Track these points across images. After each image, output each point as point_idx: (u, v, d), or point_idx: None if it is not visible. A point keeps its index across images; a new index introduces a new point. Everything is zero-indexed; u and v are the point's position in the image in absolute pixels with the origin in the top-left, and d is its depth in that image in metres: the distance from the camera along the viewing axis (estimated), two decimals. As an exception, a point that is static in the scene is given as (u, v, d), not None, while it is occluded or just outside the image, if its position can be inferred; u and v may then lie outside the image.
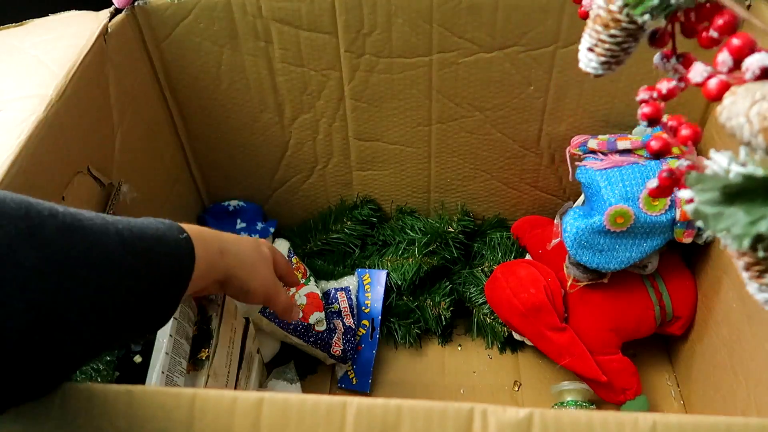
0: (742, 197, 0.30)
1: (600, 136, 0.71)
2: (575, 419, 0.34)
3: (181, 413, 0.33)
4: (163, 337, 0.54)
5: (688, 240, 0.67)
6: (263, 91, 0.76)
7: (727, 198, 0.30)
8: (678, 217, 0.65)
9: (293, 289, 0.79)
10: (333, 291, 0.83)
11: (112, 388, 0.34)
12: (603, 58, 0.38)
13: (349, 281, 0.84)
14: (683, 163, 0.38)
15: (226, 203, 0.88)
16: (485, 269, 0.83)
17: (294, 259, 0.83)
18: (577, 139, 0.73)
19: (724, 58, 0.33)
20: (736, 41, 0.32)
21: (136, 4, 0.68)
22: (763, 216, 0.29)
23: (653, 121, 0.38)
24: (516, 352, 0.83)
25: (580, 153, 0.71)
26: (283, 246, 0.84)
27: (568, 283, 0.74)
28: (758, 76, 0.32)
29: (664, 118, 0.38)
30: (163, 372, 0.53)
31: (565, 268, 0.74)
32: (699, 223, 0.31)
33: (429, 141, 0.80)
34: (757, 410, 0.58)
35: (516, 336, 0.80)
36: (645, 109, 0.38)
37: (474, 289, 0.82)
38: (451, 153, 0.82)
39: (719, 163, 0.31)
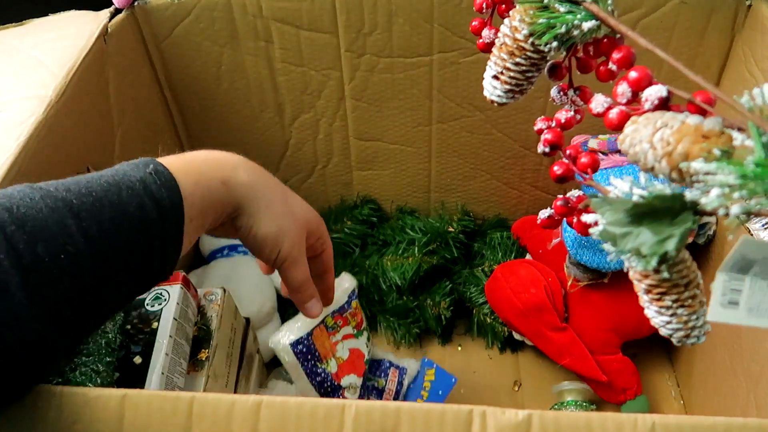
0: (648, 218, 0.31)
1: (600, 136, 0.70)
2: (574, 421, 0.34)
3: (179, 417, 0.33)
4: (163, 338, 0.54)
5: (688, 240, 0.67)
6: (263, 91, 0.76)
7: (635, 219, 0.31)
8: (678, 217, 0.65)
9: (338, 336, 0.68)
10: (387, 363, 0.74)
11: (108, 393, 0.34)
12: (507, 86, 0.40)
13: (410, 364, 0.75)
14: (575, 192, 0.41)
15: (227, 203, 0.88)
16: (485, 269, 0.83)
17: (354, 303, 0.72)
18: (577, 139, 0.73)
19: (623, 89, 0.35)
20: (634, 74, 0.34)
21: (136, 4, 0.68)
22: (670, 235, 0.30)
23: (554, 146, 0.40)
24: (516, 351, 0.83)
25: (580, 153, 0.71)
26: (348, 282, 0.73)
27: (569, 283, 0.74)
28: (657, 105, 0.33)
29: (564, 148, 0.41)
30: (163, 373, 0.53)
31: (565, 268, 0.74)
32: (606, 246, 0.32)
33: (429, 141, 0.80)
34: (757, 410, 0.58)
35: (516, 336, 0.80)
36: (547, 136, 0.41)
37: (474, 288, 0.82)
38: (452, 153, 0.81)
39: (621, 187, 0.33)
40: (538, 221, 0.43)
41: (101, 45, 0.62)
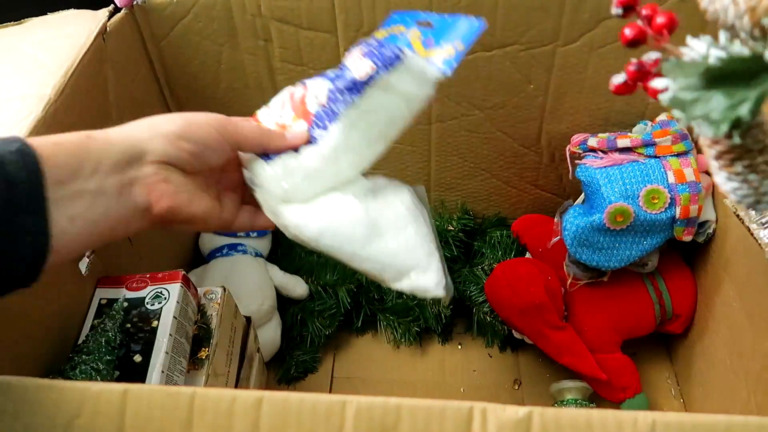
0: (722, 81, 0.29)
1: (600, 135, 0.71)
2: (574, 418, 0.34)
3: (180, 412, 0.33)
4: (163, 336, 0.54)
5: (687, 238, 0.67)
6: (263, 90, 0.76)
7: (707, 83, 0.29)
8: (678, 215, 0.65)
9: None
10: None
11: (110, 387, 0.34)
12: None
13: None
14: (652, 55, 0.37)
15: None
16: (485, 268, 0.83)
17: None
18: (577, 138, 0.73)
19: None
20: None
21: (135, 2, 0.67)
22: (744, 99, 0.28)
23: (628, 7, 0.36)
24: (516, 350, 0.83)
25: (580, 151, 0.71)
26: None
27: (568, 282, 0.74)
28: None
29: (640, 8, 0.36)
30: (163, 371, 0.53)
31: (565, 267, 0.74)
32: (675, 112, 0.30)
33: (429, 140, 0.80)
34: (756, 408, 0.58)
35: (516, 334, 0.80)
36: None
37: (474, 287, 0.82)
38: (451, 152, 0.81)
39: (697, 49, 0.30)
40: (611, 88, 0.39)
41: (100, 44, 0.62)
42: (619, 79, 0.38)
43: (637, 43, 0.36)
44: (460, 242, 0.84)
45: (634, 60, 0.37)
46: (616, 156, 0.68)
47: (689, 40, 0.31)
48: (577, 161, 0.72)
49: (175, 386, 0.34)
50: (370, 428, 0.33)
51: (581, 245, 0.68)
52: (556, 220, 0.74)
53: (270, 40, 0.71)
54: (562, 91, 0.73)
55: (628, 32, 0.36)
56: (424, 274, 0.48)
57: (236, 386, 0.65)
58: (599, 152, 0.69)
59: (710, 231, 0.69)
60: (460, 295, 0.83)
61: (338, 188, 0.49)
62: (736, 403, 0.62)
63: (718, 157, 0.33)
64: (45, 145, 0.35)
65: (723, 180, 0.33)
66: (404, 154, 0.82)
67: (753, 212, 0.60)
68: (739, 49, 0.29)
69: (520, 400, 0.79)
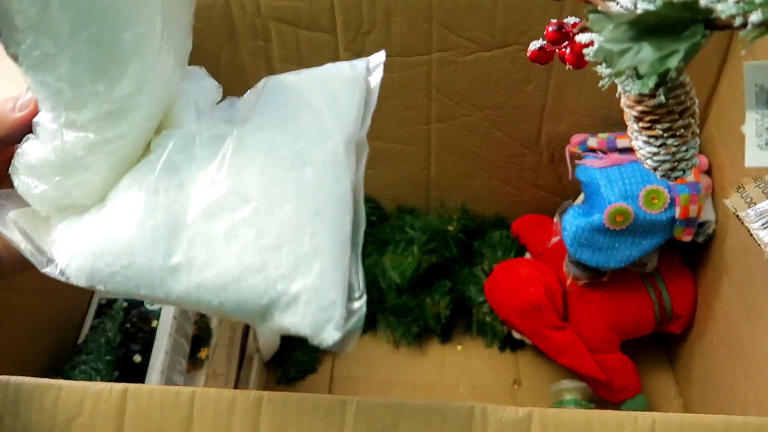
0: (652, 32, 0.27)
1: (600, 135, 0.71)
2: (574, 418, 0.34)
3: (180, 412, 0.33)
4: (163, 336, 0.54)
5: (687, 238, 0.67)
6: (262, 90, 0.76)
7: (636, 34, 0.28)
8: (677, 215, 0.65)
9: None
10: None
11: (110, 387, 0.34)
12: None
13: None
14: (570, 19, 0.36)
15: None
16: (485, 268, 0.83)
17: None
18: (576, 138, 0.73)
19: None
20: None
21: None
22: (674, 51, 0.27)
23: None
24: (516, 350, 0.83)
25: (579, 151, 0.71)
26: None
27: (568, 282, 0.74)
28: None
29: None
30: (162, 371, 0.53)
31: (564, 267, 0.74)
32: (602, 68, 0.29)
33: (428, 140, 0.80)
34: (756, 409, 0.58)
35: (515, 335, 0.80)
36: None
37: (473, 287, 0.82)
38: (451, 152, 0.81)
39: (623, 2, 0.29)
40: (528, 53, 0.37)
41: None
42: (535, 45, 0.37)
43: None
44: (460, 242, 0.84)
45: (554, 21, 0.36)
46: (616, 156, 0.68)
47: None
48: (576, 161, 0.72)
49: (174, 386, 0.34)
50: (369, 428, 0.33)
51: (581, 245, 0.68)
52: (555, 220, 0.74)
53: (270, 40, 0.71)
54: (562, 92, 0.73)
55: None
56: (301, 309, 0.28)
57: (236, 386, 0.65)
58: (599, 152, 0.70)
59: (710, 231, 0.69)
60: (459, 295, 0.83)
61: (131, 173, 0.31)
62: (736, 403, 0.62)
63: (639, 118, 0.32)
64: None
65: (641, 144, 0.32)
66: (404, 155, 0.82)
67: (753, 213, 0.60)
68: None
69: (519, 400, 0.79)
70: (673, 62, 0.27)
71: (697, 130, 0.32)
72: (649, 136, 0.32)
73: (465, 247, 0.86)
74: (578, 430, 0.33)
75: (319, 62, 0.72)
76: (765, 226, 0.58)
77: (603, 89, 0.32)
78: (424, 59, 0.71)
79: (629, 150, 0.68)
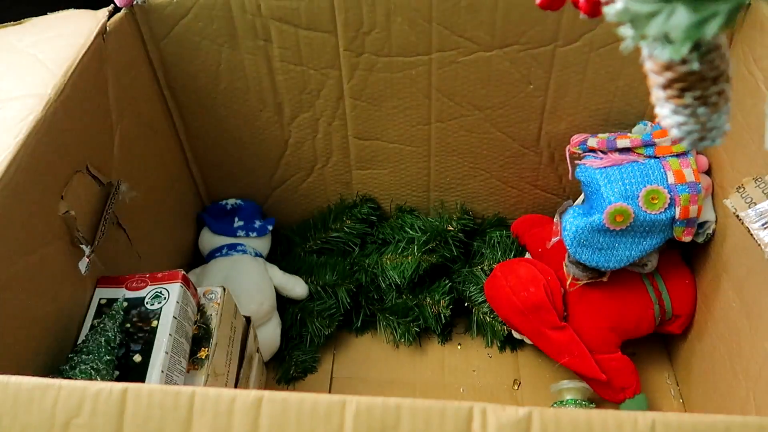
0: None
1: (600, 135, 0.71)
2: (574, 418, 0.34)
3: (180, 412, 0.33)
4: (163, 336, 0.54)
5: (687, 238, 0.67)
6: (262, 90, 0.76)
7: None
8: (677, 215, 0.65)
9: None
10: None
11: (109, 387, 0.34)
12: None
13: None
14: None
15: (224, 202, 0.88)
16: (485, 268, 0.83)
17: None
18: (576, 138, 0.73)
19: None
20: None
21: (135, 2, 0.67)
22: (714, 13, 0.23)
23: None
24: (516, 350, 0.83)
25: (579, 151, 0.71)
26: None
27: (568, 282, 0.74)
28: None
29: None
30: (162, 371, 0.53)
31: (564, 267, 0.74)
32: (624, 29, 0.25)
33: (428, 140, 0.80)
34: (756, 409, 0.58)
35: (516, 335, 0.80)
36: None
37: (473, 287, 0.82)
38: (451, 152, 0.81)
39: None
40: (538, 1, 0.34)
41: (100, 44, 0.62)
42: None
43: None
44: (460, 242, 0.85)
45: None
46: (616, 156, 0.68)
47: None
48: (576, 161, 0.72)
49: (174, 386, 0.34)
50: (369, 428, 0.33)
51: (581, 245, 0.68)
52: (555, 220, 0.74)
53: (270, 40, 0.71)
54: (562, 92, 0.73)
55: None
56: None
57: (236, 386, 0.65)
58: (599, 152, 0.70)
59: (710, 231, 0.69)
60: (459, 295, 0.83)
61: None
62: (736, 403, 0.62)
63: (667, 86, 0.28)
64: None
65: (668, 113, 0.29)
66: (404, 154, 0.82)
67: (753, 213, 0.60)
68: None
69: (519, 400, 0.79)
70: (713, 28, 0.23)
71: (731, 94, 0.29)
72: (678, 105, 0.28)
73: (465, 247, 0.86)
74: (578, 430, 0.33)
75: (319, 62, 0.72)
76: (765, 226, 0.58)
77: (625, 52, 0.28)
78: (424, 59, 0.71)
79: (629, 150, 0.68)
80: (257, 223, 0.86)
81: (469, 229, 0.86)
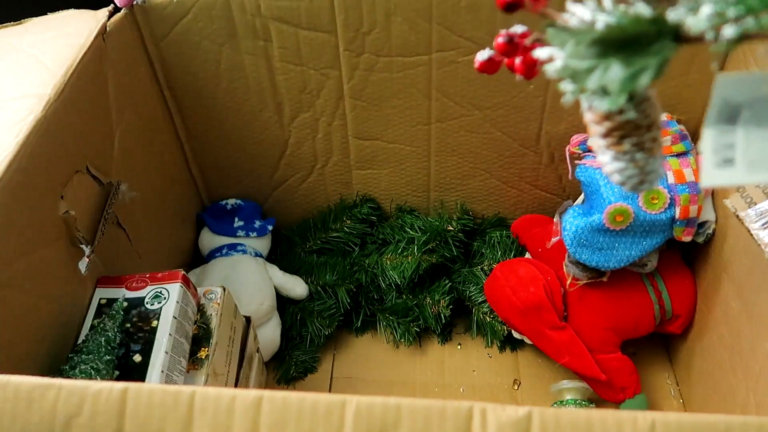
0: (618, 48, 0.26)
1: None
2: (574, 418, 0.34)
3: (180, 411, 0.33)
4: (163, 336, 0.54)
5: (687, 238, 0.67)
6: (262, 90, 0.76)
7: (601, 50, 0.26)
8: (677, 215, 0.65)
9: None
10: None
11: (109, 386, 0.34)
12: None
13: None
14: (519, 28, 0.35)
15: (224, 202, 0.88)
16: (485, 268, 0.83)
17: None
18: (576, 138, 0.73)
19: None
20: None
21: (135, 2, 0.67)
22: (644, 67, 0.26)
23: None
24: (516, 350, 0.83)
25: (579, 151, 0.71)
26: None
27: (568, 282, 0.74)
28: None
29: None
30: (162, 371, 0.53)
31: (564, 267, 0.74)
32: (565, 84, 0.27)
33: (428, 140, 0.80)
34: (756, 408, 0.58)
35: (515, 335, 0.80)
36: None
37: (473, 287, 0.82)
38: (451, 152, 0.81)
39: (581, 15, 0.27)
40: (476, 65, 0.36)
41: (100, 44, 0.62)
42: (483, 55, 0.36)
43: (514, 6, 0.33)
44: (460, 242, 0.85)
45: (503, 31, 0.34)
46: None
47: (570, 5, 0.28)
48: (576, 161, 0.72)
49: (174, 385, 0.34)
50: (369, 428, 0.33)
51: (581, 245, 0.68)
52: (555, 220, 0.74)
53: (270, 40, 0.71)
54: (562, 91, 0.73)
55: None
56: None
57: (236, 386, 0.65)
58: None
59: (710, 231, 0.69)
60: (459, 295, 0.83)
61: None
62: (736, 403, 0.62)
63: (606, 134, 0.30)
64: None
65: (609, 160, 0.31)
66: (404, 154, 0.82)
67: (753, 213, 0.60)
68: (643, 7, 0.26)
69: (519, 400, 0.79)
70: (645, 79, 0.26)
71: (662, 141, 0.31)
72: (618, 152, 0.31)
73: (465, 247, 0.86)
74: (578, 430, 0.33)
75: (319, 62, 0.72)
76: (765, 226, 0.58)
77: (566, 106, 0.30)
78: (424, 59, 0.71)
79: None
80: (257, 223, 0.86)
81: (469, 229, 0.86)
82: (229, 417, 0.33)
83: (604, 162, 0.31)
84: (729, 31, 0.24)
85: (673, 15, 0.25)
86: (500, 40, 0.34)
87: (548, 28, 0.28)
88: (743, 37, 0.24)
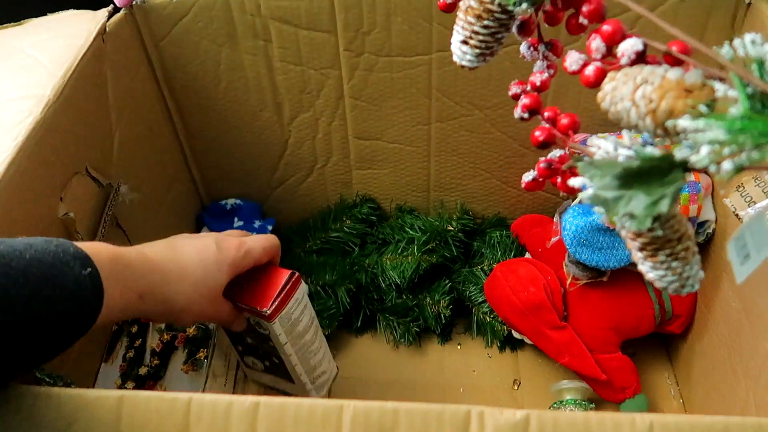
0: (639, 179, 0.30)
1: (600, 135, 0.70)
2: (572, 421, 0.34)
3: (176, 418, 0.33)
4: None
5: (687, 239, 0.67)
6: (262, 90, 0.76)
7: (624, 182, 0.31)
8: (677, 215, 0.65)
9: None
10: None
11: (106, 394, 0.34)
12: (478, 50, 0.39)
13: None
14: (557, 153, 0.40)
15: (223, 202, 0.88)
16: (485, 268, 0.83)
17: None
18: (577, 137, 0.72)
19: (597, 45, 0.34)
20: (607, 27, 0.33)
21: (134, 3, 0.67)
22: (662, 196, 0.30)
23: (533, 112, 0.40)
24: (515, 350, 0.83)
25: (579, 152, 0.71)
26: None
27: (568, 282, 0.74)
28: (634, 60, 0.33)
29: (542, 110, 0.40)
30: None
31: (564, 267, 0.74)
32: (598, 209, 0.32)
33: (428, 140, 0.80)
34: (756, 409, 0.58)
35: (515, 334, 0.80)
36: (525, 101, 0.40)
37: (473, 287, 0.82)
38: (451, 152, 0.81)
39: (605, 148, 0.33)
40: (523, 184, 0.43)
41: (99, 44, 0.62)
42: (529, 176, 0.42)
43: (547, 144, 0.40)
44: (460, 242, 0.84)
45: (542, 159, 0.41)
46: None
47: (594, 139, 0.34)
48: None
49: (171, 392, 0.34)
50: None
51: (581, 245, 0.68)
52: (555, 220, 0.74)
53: (269, 40, 0.71)
54: (562, 91, 0.73)
55: (538, 135, 0.40)
56: None
57: (234, 388, 0.65)
58: (599, 152, 0.69)
59: (710, 231, 0.69)
60: (459, 295, 0.83)
61: None
62: (736, 403, 0.62)
63: (642, 248, 0.34)
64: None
65: (648, 269, 0.35)
66: (404, 154, 0.82)
67: (753, 212, 0.60)
68: (651, 150, 0.31)
69: (519, 400, 0.79)
70: (664, 206, 0.30)
71: (696, 249, 0.35)
72: (654, 262, 0.34)
73: (465, 246, 0.86)
74: (576, 432, 0.33)
75: (319, 62, 0.72)
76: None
77: (603, 225, 0.35)
78: (424, 59, 0.71)
79: (629, 150, 0.68)
80: (257, 223, 0.86)
81: (469, 229, 0.86)
82: (226, 423, 0.33)
83: (645, 270, 0.35)
84: (727, 166, 0.27)
85: (678, 154, 0.30)
86: (541, 165, 0.40)
87: (577, 161, 0.33)
88: (741, 168, 0.27)
